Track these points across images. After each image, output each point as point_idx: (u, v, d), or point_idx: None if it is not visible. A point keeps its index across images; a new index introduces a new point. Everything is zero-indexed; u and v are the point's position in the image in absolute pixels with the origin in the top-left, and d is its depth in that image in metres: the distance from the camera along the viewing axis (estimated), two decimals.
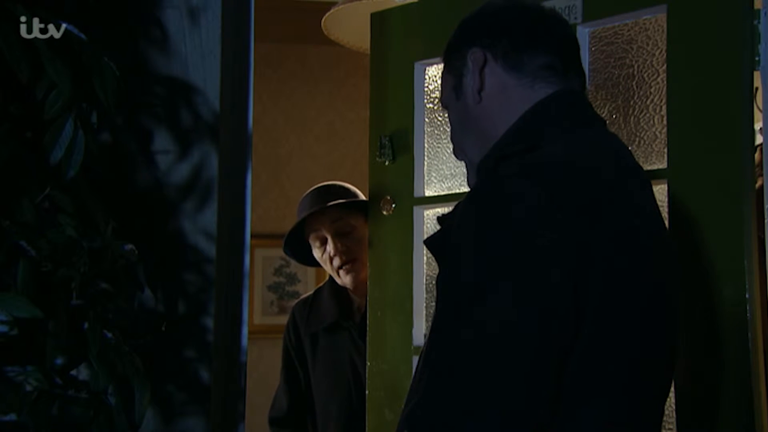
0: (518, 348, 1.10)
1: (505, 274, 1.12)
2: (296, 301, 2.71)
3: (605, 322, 1.16)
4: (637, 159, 1.83)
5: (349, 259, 2.45)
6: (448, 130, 2.18)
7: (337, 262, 2.46)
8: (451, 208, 1.28)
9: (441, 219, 1.33)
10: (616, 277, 1.18)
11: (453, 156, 2.17)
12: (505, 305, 1.11)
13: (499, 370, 1.09)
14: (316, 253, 2.51)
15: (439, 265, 1.29)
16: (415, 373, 1.34)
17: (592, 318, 1.14)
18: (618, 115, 1.89)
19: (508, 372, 1.09)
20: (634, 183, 1.29)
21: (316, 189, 2.55)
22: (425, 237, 2.20)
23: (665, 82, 1.80)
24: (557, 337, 1.12)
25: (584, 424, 1.16)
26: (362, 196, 2.54)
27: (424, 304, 2.19)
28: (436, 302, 1.23)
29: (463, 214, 1.20)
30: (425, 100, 2.23)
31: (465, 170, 1.47)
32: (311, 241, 2.51)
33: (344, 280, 2.48)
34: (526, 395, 1.10)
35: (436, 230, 1.32)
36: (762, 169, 1.79)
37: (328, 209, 2.44)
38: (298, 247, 2.56)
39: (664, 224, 1.35)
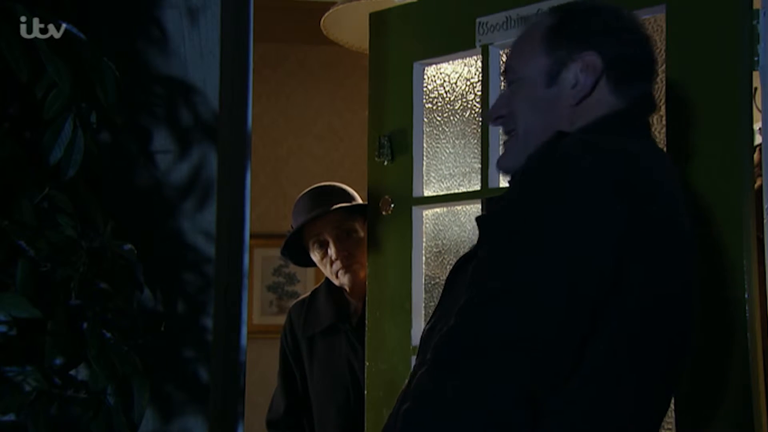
0: (540, 327, 1.13)
1: (549, 247, 1.16)
2: (293, 302, 2.71)
3: (633, 314, 1.19)
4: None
5: (350, 263, 2.44)
6: (447, 130, 2.20)
7: (337, 265, 2.45)
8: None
9: (490, 200, 1.36)
10: (657, 268, 1.22)
11: (452, 156, 2.19)
12: (535, 282, 1.15)
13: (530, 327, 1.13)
14: (315, 257, 2.50)
15: (477, 244, 1.33)
16: (414, 368, 1.34)
17: (622, 308, 1.18)
18: None
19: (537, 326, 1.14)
20: (678, 190, 1.34)
21: (313, 191, 2.54)
22: (424, 237, 2.21)
23: (664, 82, 1.80)
24: (583, 320, 1.16)
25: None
26: (357, 196, 2.53)
27: (423, 304, 2.19)
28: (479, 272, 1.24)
29: (526, 174, 1.24)
30: (424, 100, 2.23)
31: (502, 146, 1.49)
32: (311, 245, 2.49)
33: (342, 280, 2.47)
34: (538, 373, 1.13)
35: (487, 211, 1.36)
36: (761, 169, 1.79)
37: (331, 213, 2.43)
38: (294, 248, 2.54)
39: (696, 239, 1.37)
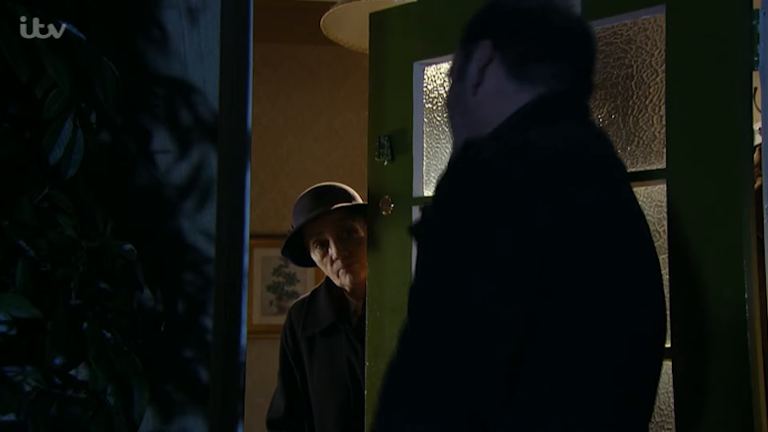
0: (473, 324, 1.09)
1: (469, 253, 1.12)
2: (293, 302, 2.71)
3: (573, 312, 1.15)
4: (635, 159, 1.84)
5: (350, 262, 2.45)
6: (447, 129, 2.20)
7: (338, 265, 2.45)
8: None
9: (423, 208, 1.32)
10: (586, 263, 1.17)
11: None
12: (465, 282, 1.11)
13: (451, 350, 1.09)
14: (316, 256, 2.50)
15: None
16: None
17: (559, 307, 1.14)
18: (617, 115, 1.89)
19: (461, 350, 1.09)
20: (614, 174, 1.30)
21: (313, 190, 2.54)
22: None
23: (664, 82, 1.80)
24: (513, 323, 1.12)
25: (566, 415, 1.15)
26: (358, 196, 2.54)
27: None
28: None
29: (436, 190, 1.20)
30: (424, 100, 2.23)
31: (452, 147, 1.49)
32: (311, 244, 2.49)
33: (343, 280, 2.47)
34: (472, 392, 1.09)
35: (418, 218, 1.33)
36: (761, 169, 1.79)
37: (331, 212, 2.43)
38: (295, 248, 2.55)
39: (644, 219, 1.34)
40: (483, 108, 1.36)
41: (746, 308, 1.64)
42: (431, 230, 1.18)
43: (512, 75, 1.34)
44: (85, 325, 1.32)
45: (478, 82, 1.36)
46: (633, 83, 1.88)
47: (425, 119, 2.23)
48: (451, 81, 1.44)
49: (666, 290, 1.51)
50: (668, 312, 1.34)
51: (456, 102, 1.42)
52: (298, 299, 2.69)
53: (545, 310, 1.13)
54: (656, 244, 1.36)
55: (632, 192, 1.34)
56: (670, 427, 1.74)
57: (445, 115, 2.20)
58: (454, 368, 1.08)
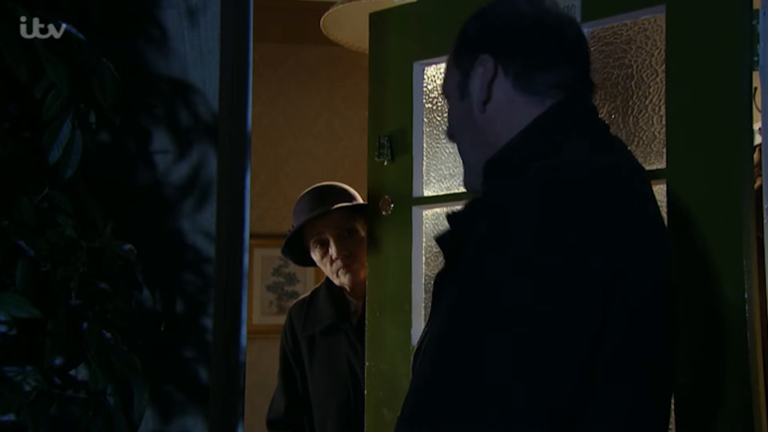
0: (541, 348, 1.08)
1: (532, 273, 1.10)
2: (293, 302, 2.71)
3: (630, 330, 1.15)
4: (635, 159, 1.84)
5: (350, 262, 2.45)
6: (446, 128, 2.20)
7: (338, 264, 2.45)
8: (458, 206, 1.28)
9: (451, 217, 1.30)
10: (641, 279, 1.17)
11: (452, 156, 2.19)
12: (530, 303, 1.09)
13: (520, 368, 1.07)
14: (316, 256, 2.50)
15: (446, 263, 1.28)
16: (414, 373, 1.32)
17: (617, 324, 1.13)
18: (617, 115, 1.89)
19: (531, 370, 1.07)
20: (643, 185, 1.31)
21: (314, 190, 2.54)
22: (424, 237, 2.21)
23: (664, 82, 1.80)
24: (583, 336, 1.11)
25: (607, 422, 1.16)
26: (358, 196, 2.54)
27: (423, 304, 2.19)
28: (445, 299, 1.20)
29: (489, 212, 1.18)
30: (424, 100, 2.23)
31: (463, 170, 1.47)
32: (311, 244, 2.50)
33: (342, 280, 2.47)
34: (549, 390, 1.08)
35: (445, 228, 1.32)
36: (761, 169, 1.79)
37: (332, 212, 2.43)
38: (295, 248, 2.55)
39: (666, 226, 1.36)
40: (493, 124, 1.34)
41: (746, 308, 1.64)
42: (494, 245, 1.14)
43: (519, 87, 1.32)
44: (84, 325, 1.32)
45: (486, 98, 1.34)
46: (633, 83, 1.88)
47: (425, 119, 2.23)
48: (451, 101, 1.42)
49: None
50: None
51: (462, 122, 1.39)
52: (298, 299, 2.70)
53: (607, 316, 1.13)
54: None
55: (655, 199, 1.34)
56: (670, 427, 1.73)
57: (445, 116, 2.21)
58: (532, 367, 1.06)
